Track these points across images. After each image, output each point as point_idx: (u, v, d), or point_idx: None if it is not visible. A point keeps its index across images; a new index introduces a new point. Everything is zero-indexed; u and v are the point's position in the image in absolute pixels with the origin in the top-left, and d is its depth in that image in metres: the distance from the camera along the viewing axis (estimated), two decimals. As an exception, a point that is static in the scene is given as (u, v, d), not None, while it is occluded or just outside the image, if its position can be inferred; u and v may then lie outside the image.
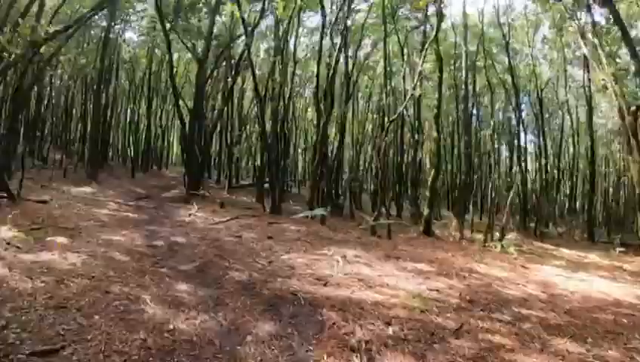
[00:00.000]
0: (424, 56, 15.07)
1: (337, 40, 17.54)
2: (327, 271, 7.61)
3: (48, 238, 7.65)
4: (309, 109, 38.67)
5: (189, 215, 12.01)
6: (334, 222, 14.50)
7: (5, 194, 10.43)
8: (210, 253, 7.93)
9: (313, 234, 11.03)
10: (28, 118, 26.49)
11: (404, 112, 22.65)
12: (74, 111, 29.64)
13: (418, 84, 14.93)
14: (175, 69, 22.96)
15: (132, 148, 28.54)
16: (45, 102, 26.40)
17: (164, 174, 29.31)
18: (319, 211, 10.18)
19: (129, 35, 29.73)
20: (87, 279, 5.69)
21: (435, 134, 16.06)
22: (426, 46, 15.54)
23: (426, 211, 16.03)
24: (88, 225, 9.28)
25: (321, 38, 17.36)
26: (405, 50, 23.09)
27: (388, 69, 23.00)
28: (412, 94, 14.44)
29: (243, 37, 24.20)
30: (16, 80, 14.50)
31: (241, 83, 28.19)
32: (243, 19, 15.14)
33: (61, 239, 7.57)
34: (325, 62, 24.09)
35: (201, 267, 7.06)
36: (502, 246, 14.49)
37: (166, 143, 35.59)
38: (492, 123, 29.23)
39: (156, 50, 28.41)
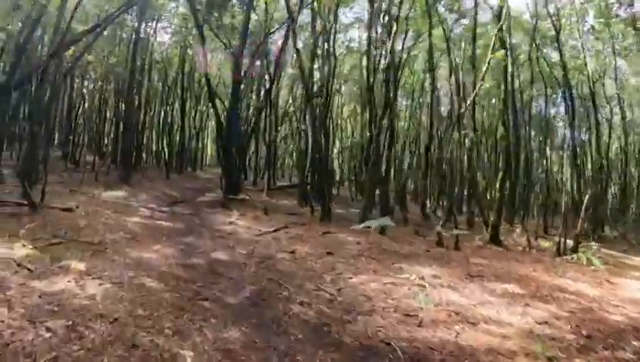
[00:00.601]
0: (493, 46, 13.14)
1: (375, 34, 15.92)
2: (412, 300, 5.96)
3: (66, 258, 6.25)
4: (345, 107, 37.12)
5: (230, 223, 10.54)
6: (391, 229, 12.77)
7: (26, 202, 9.18)
8: (262, 277, 6.37)
9: (376, 247, 9.37)
10: (62, 121, 25.98)
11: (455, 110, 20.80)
12: (107, 113, 28.92)
13: (482, 77, 13.05)
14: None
15: (166, 150, 27.55)
16: (77, 104, 25.65)
17: (199, 176, 28.18)
18: (385, 221, 8.55)
19: (160, 34, 28.89)
20: (108, 323, 4.20)
21: (502, 131, 14.12)
22: (494, 33, 13.61)
23: (493, 217, 14.13)
24: (116, 238, 7.88)
25: (370, 26, 15.71)
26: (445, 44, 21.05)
27: (432, 63, 21.12)
28: (480, 86, 12.57)
29: (278, 33, 22.97)
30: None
31: (276, 81, 26.78)
32: (287, 3, 13.61)
33: (80, 264, 6.11)
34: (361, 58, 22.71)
35: (253, 298, 5.49)
36: (587, 258, 12.47)
37: (200, 144, 34.54)
38: (535, 119, 26.89)
39: (188, 50, 27.45)
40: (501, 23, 13.62)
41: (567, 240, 14.04)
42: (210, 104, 33.67)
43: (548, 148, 32.18)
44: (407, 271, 7.61)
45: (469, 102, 13.99)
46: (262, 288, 5.86)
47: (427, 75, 23.06)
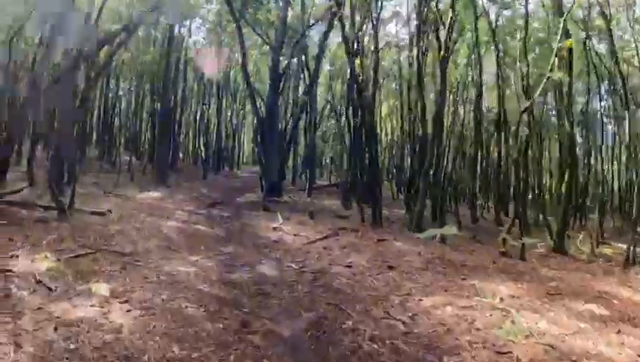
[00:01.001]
0: (562, 31, 11.61)
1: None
2: (498, 331, 4.84)
3: (92, 274, 5.39)
4: (384, 104, 35.72)
5: (274, 229, 9.55)
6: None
7: (54, 206, 8.48)
8: (318, 299, 5.33)
9: (439, 259, 8.19)
10: (99, 122, 25.84)
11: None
12: (143, 112, 28.74)
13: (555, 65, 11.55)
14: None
15: (203, 149, 27.03)
16: (114, 104, 25.47)
17: (237, 175, 27.59)
18: (451, 231, 7.45)
19: (195, 32, 28.47)
20: (134, 368, 3.24)
21: (567, 127, 12.58)
22: (563, 18, 12.06)
23: (557, 223, 12.66)
24: (149, 247, 7.02)
25: (419, 15, 14.44)
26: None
27: (475, 55, 19.57)
28: (548, 79, 11.10)
29: (316, 27, 21.91)
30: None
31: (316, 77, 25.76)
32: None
33: (107, 282, 5.23)
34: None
35: (311, 329, 4.45)
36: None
37: (237, 143, 33.98)
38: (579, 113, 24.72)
39: (223, 48, 26.87)
40: (569, 10, 12.12)
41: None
42: (247, 102, 33.88)
43: (594, 145, 29.84)
44: (481, 290, 6.50)
45: (534, 95, 12.49)
46: (320, 315, 4.81)
47: (469, 69, 21.43)
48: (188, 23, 24.86)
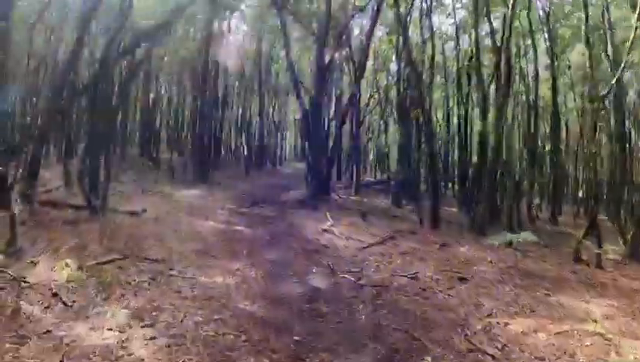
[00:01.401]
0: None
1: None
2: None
3: (116, 285, 4.60)
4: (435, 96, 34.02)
5: (323, 231, 8.56)
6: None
7: (86, 206, 7.85)
8: (384, 323, 4.33)
9: (514, 269, 7.00)
10: (143, 118, 25.71)
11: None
12: (185, 109, 28.53)
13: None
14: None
15: (245, 145, 26.44)
16: (155, 101, 25.29)
17: (280, 171, 26.86)
18: (530, 237, 6.27)
19: (235, 26, 27.94)
20: None
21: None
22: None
23: (632, 227, 11.13)
24: (185, 252, 6.20)
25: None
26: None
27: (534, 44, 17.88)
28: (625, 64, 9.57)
29: (359, 16, 20.71)
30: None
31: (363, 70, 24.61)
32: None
33: (131, 297, 4.42)
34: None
35: (382, 366, 3.44)
36: None
37: (279, 138, 33.30)
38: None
39: (263, 43, 26.31)
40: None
41: None
42: (289, 97, 33.12)
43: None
44: (571, 310, 5.40)
45: (613, 81, 10.90)
46: (390, 346, 3.81)
47: (520, 60, 19.63)
48: (227, 16, 24.24)
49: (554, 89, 17.49)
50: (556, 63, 18.21)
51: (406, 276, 5.85)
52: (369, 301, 4.85)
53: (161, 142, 25.06)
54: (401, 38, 15.78)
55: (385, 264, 6.47)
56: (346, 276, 5.69)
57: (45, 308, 4.06)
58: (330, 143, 15.38)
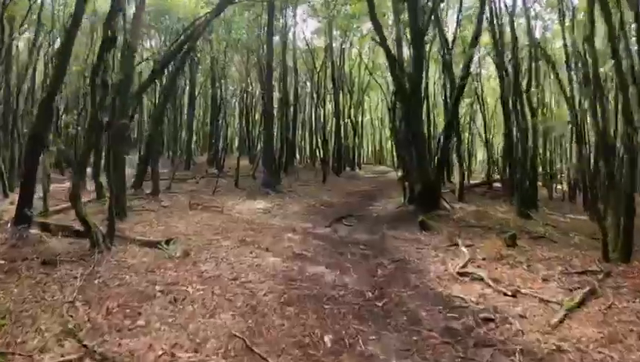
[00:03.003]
0: None
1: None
2: None
3: None
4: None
5: (459, 274, 4.90)
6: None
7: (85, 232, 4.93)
8: None
9: None
10: (211, 124, 23.64)
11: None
12: (254, 112, 26.17)
13: None
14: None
15: (321, 149, 23.35)
16: (218, 106, 23.10)
17: (359, 175, 23.33)
18: None
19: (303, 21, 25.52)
20: None
21: None
22: None
23: None
24: (219, 340, 2.96)
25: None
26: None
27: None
28: None
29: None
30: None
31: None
32: None
33: None
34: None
35: None
36: None
37: (356, 140, 29.76)
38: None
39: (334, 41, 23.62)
40: None
41: None
42: (365, 95, 29.71)
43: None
44: None
45: None
46: None
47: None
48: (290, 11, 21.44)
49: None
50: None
51: None
52: None
53: (225, 147, 22.98)
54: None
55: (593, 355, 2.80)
56: None
57: None
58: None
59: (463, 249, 5.68)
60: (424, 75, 13.27)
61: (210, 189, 12.42)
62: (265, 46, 15.84)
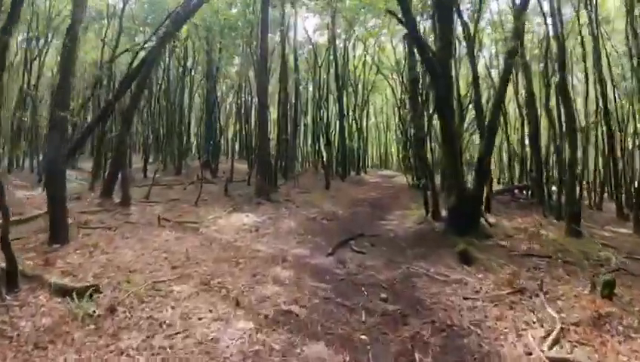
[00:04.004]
0: None
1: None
2: None
3: None
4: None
5: (551, 360, 2.92)
6: None
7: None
8: None
9: None
10: (206, 126, 21.78)
11: None
12: (249, 115, 24.41)
13: None
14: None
15: (324, 152, 21.44)
16: (212, 108, 21.44)
17: (365, 180, 21.30)
18: None
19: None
20: None
21: None
22: None
23: None
24: None
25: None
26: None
27: None
28: None
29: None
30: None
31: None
32: None
33: None
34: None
35: None
36: None
37: (361, 142, 27.88)
38: None
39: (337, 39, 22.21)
40: None
41: None
42: (369, 98, 27.82)
43: None
44: None
45: None
46: None
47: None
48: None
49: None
50: None
51: None
52: None
53: (219, 151, 21.27)
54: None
55: None
56: None
57: None
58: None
59: (550, 311, 3.59)
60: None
61: (190, 199, 10.44)
62: (260, 22, 13.63)
